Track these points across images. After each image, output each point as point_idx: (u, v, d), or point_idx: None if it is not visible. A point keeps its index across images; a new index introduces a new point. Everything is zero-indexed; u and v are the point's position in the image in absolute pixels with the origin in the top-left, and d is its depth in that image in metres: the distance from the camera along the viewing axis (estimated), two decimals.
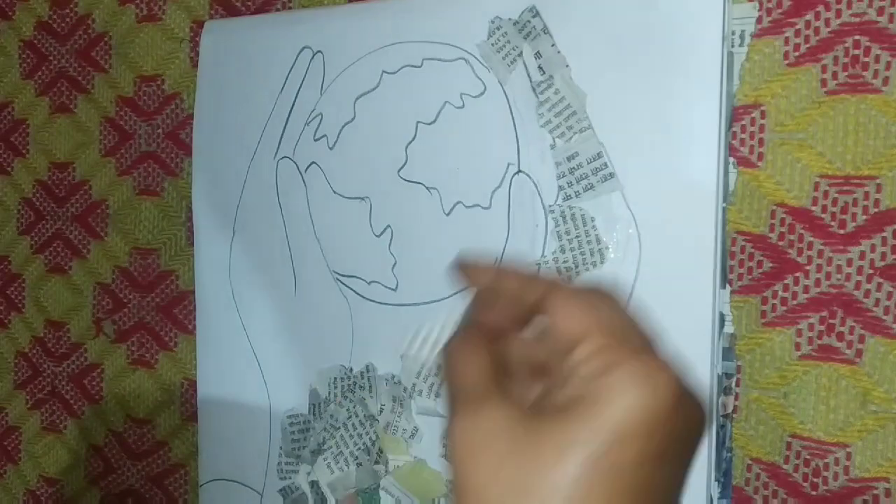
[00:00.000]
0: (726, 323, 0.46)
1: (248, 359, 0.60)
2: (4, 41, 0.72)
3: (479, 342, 0.31)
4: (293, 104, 0.58)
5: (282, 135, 0.58)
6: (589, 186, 0.48)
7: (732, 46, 0.46)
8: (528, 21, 0.49)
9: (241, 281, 0.60)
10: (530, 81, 0.49)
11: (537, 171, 0.49)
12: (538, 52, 0.49)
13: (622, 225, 0.47)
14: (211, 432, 0.62)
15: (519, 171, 0.50)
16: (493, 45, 0.50)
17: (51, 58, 0.70)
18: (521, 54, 0.50)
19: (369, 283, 0.55)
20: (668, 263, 0.46)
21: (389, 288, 0.54)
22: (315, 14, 0.58)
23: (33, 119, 0.71)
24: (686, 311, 0.45)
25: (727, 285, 0.46)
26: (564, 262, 0.48)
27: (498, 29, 0.50)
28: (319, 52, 0.56)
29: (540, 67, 0.49)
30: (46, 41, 0.70)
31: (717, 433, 0.45)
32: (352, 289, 0.55)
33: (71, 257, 0.69)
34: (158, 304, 0.65)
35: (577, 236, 0.48)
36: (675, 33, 0.45)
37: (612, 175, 0.47)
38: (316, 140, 0.57)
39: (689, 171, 0.45)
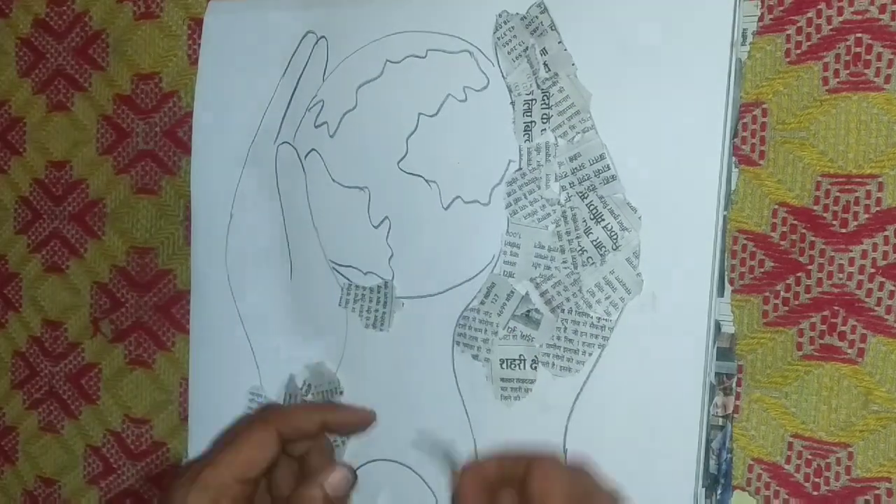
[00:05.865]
0: (727, 323, 0.46)
1: (241, 340, 0.59)
2: (1, 39, 0.71)
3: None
4: (295, 89, 0.57)
5: (282, 119, 0.58)
6: (591, 188, 0.47)
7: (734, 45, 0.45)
8: (536, 17, 0.49)
9: (237, 264, 0.60)
10: (535, 78, 0.49)
11: (539, 171, 0.49)
12: (544, 48, 0.49)
13: (622, 226, 0.47)
14: (200, 409, 0.61)
15: (520, 168, 0.49)
16: (498, 39, 0.50)
17: (48, 55, 0.69)
18: (526, 50, 0.49)
19: (365, 274, 0.55)
20: (668, 266, 0.46)
21: (385, 279, 0.54)
22: None
23: (30, 117, 0.70)
24: (683, 313, 0.45)
25: (727, 287, 0.46)
26: (563, 261, 0.48)
27: (505, 23, 0.50)
28: (323, 37, 0.56)
29: (545, 64, 0.49)
30: (43, 39, 0.69)
31: (707, 438, 0.45)
32: (347, 278, 0.55)
33: (68, 256, 0.69)
34: (156, 304, 0.65)
35: (577, 237, 0.48)
36: (684, 37, 0.45)
37: (613, 177, 0.47)
38: (317, 127, 0.56)
39: (691, 175, 0.45)
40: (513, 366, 0.49)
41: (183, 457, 0.63)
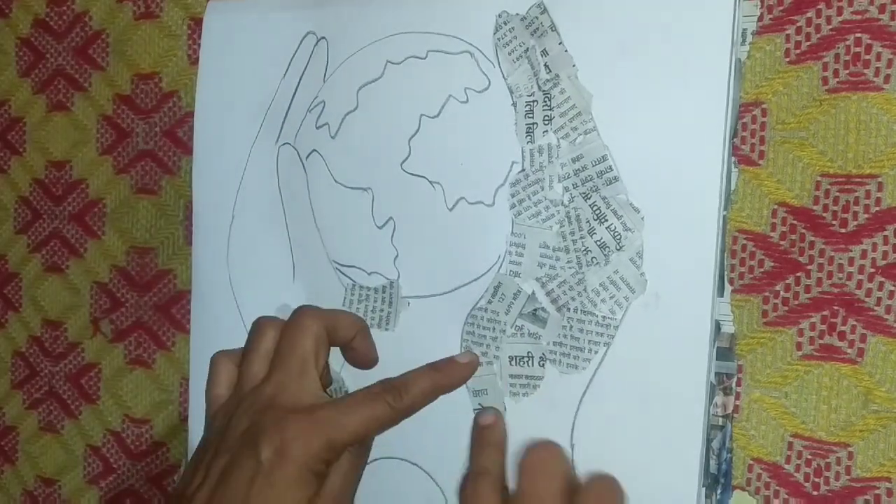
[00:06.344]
0: (727, 323, 0.46)
1: (242, 340, 0.59)
2: (1, 39, 0.71)
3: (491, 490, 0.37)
4: (296, 90, 0.57)
5: (283, 120, 0.58)
6: (594, 189, 0.47)
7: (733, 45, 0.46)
8: (536, 17, 0.49)
9: (238, 264, 0.60)
10: (536, 80, 0.49)
11: (542, 172, 0.49)
12: (545, 49, 0.49)
13: (626, 227, 0.47)
14: (200, 409, 0.61)
15: (523, 169, 0.50)
16: (499, 39, 0.50)
17: (48, 55, 0.69)
18: (527, 51, 0.49)
19: (369, 274, 0.55)
20: (671, 266, 0.46)
21: (390, 279, 0.54)
22: None
23: (30, 117, 0.70)
24: (685, 312, 0.45)
25: (727, 287, 0.46)
26: (568, 261, 0.48)
27: (505, 24, 0.50)
28: (323, 38, 0.56)
29: (546, 66, 0.49)
30: (43, 39, 0.69)
31: (707, 438, 0.45)
32: (351, 279, 0.55)
33: (68, 256, 0.69)
34: (156, 304, 0.65)
35: (581, 237, 0.48)
36: (684, 37, 0.45)
37: (616, 178, 0.47)
38: (318, 128, 0.56)
39: (692, 175, 0.45)
40: (521, 362, 0.50)
41: (183, 457, 0.63)
